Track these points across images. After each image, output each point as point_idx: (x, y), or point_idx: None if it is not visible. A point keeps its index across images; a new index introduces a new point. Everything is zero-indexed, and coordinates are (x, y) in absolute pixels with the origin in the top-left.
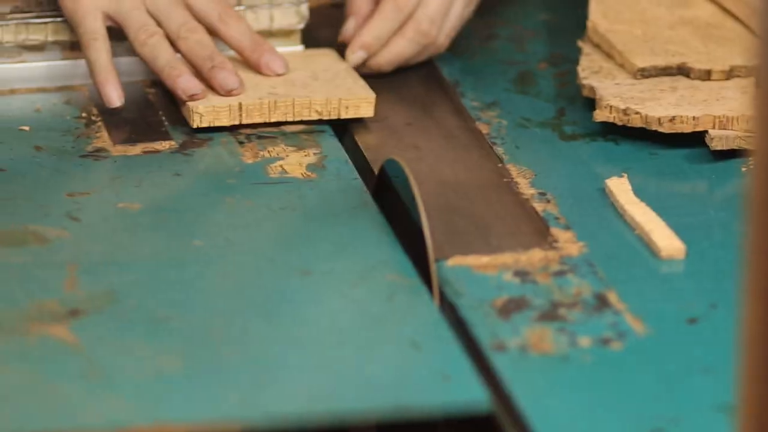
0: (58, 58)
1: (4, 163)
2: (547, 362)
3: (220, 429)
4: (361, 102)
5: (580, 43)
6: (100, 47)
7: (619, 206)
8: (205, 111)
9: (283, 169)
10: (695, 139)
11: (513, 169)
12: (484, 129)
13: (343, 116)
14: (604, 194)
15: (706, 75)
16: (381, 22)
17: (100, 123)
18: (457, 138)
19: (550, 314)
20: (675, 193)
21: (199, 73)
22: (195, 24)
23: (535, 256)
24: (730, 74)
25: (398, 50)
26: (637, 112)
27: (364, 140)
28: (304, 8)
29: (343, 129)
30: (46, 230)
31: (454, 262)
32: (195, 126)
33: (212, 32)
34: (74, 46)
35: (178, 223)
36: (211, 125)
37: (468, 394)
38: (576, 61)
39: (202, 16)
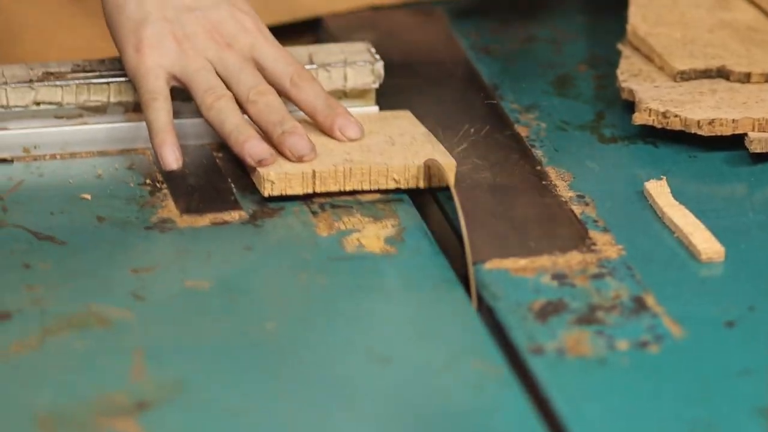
0: (121, 120)
1: (64, 235)
2: (585, 365)
3: None
4: (441, 170)
5: (619, 46)
6: (160, 107)
7: (658, 209)
8: (277, 178)
9: (359, 242)
10: (734, 142)
11: (552, 172)
12: (523, 132)
13: (423, 185)
14: (643, 197)
15: (746, 78)
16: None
17: (165, 190)
18: (495, 141)
19: (588, 317)
20: (714, 195)
21: (269, 138)
22: (265, 86)
23: (574, 258)
24: None
25: None
26: (676, 115)
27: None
28: (379, 66)
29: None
30: (110, 310)
31: (492, 265)
32: (266, 194)
33: (284, 94)
34: (138, 108)
35: (250, 303)
36: (283, 194)
37: None
38: (615, 64)
39: (274, 78)
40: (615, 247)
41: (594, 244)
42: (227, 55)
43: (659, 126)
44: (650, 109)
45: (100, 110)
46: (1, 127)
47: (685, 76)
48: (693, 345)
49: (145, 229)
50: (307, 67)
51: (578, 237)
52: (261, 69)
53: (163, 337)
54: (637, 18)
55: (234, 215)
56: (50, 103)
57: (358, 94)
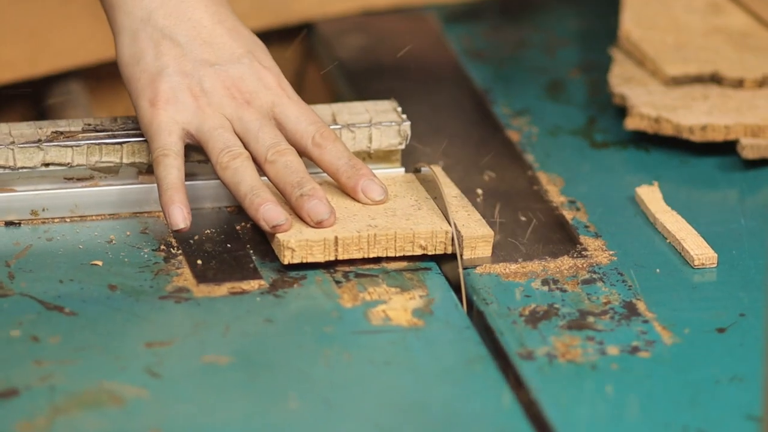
0: (134, 181)
1: (75, 305)
2: (575, 371)
3: None
4: (477, 242)
5: (611, 51)
6: (170, 164)
7: (650, 214)
8: (297, 245)
9: (386, 315)
10: (726, 148)
11: (543, 177)
12: (514, 136)
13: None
14: (634, 202)
15: (739, 83)
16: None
17: (180, 257)
18: (487, 145)
19: (579, 323)
20: (706, 201)
21: (287, 201)
22: (285, 146)
23: (564, 264)
24: (762, 83)
25: None
26: (668, 121)
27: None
28: (406, 127)
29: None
30: (124, 388)
31: (482, 269)
32: (286, 262)
33: (305, 154)
34: (151, 169)
35: (272, 380)
36: (304, 261)
37: None
38: (607, 69)
39: (296, 137)
40: (606, 252)
41: (585, 249)
42: (246, 113)
43: (651, 131)
44: (642, 115)
45: (112, 171)
46: (8, 189)
47: (677, 82)
48: (684, 351)
49: (160, 299)
50: (331, 127)
51: (569, 242)
52: (281, 127)
53: (181, 417)
54: (630, 22)
55: (253, 284)
56: (60, 165)
57: (384, 156)
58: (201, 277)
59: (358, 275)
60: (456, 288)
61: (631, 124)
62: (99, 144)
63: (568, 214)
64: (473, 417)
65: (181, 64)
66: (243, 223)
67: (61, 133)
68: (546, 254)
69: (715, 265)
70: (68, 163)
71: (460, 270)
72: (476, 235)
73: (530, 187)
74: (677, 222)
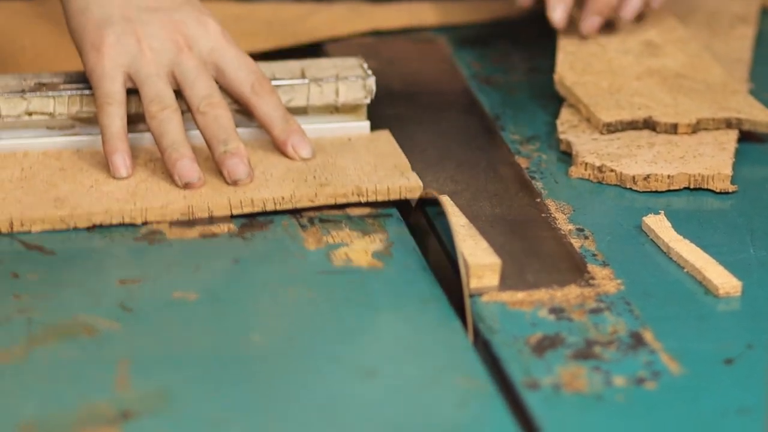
0: None
1: (53, 244)
2: (581, 401)
3: None
4: (484, 271)
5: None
6: (113, 112)
7: (662, 243)
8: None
9: (347, 257)
10: None
11: (551, 204)
12: (523, 163)
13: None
14: (642, 231)
15: (673, 128)
16: None
17: None
18: (495, 172)
19: (585, 352)
20: (714, 230)
21: (211, 155)
22: (218, 99)
23: (572, 293)
24: (696, 127)
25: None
26: (612, 170)
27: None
28: (371, 82)
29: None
30: (97, 321)
31: (489, 297)
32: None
33: (242, 101)
34: (132, 119)
35: (237, 315)
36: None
37: None
38: None
39: (234, 84)
40: (614, 281)
41: (593, 278)
42: (185, 59)
43: (595, 181)
44: (586, 163)
45: (92, 122)
46: None
47: (611, 128)
48: (690, 382)
49: (135, 240)
50: (299, 81)
51: (577, 271)
52: (221, 73)
53: (149, 348)
54: (564, 66)
55: (223, 227)
56: (42, 114)
57: (350, 110)
58: (175, 222)
59: (322, 221)
60: (461, 315)
61: (575, 173)
62: (80, 95)
63: (577, 243)
64: (424, 350)
65: (125, 11)
66: None
67: (44, 84)
68: (553, 283)
69: (739, 294)
70: (50, 113)
71: (466, 298)
72: (483, 264)
73: (538, 214)
74: (693, 251)
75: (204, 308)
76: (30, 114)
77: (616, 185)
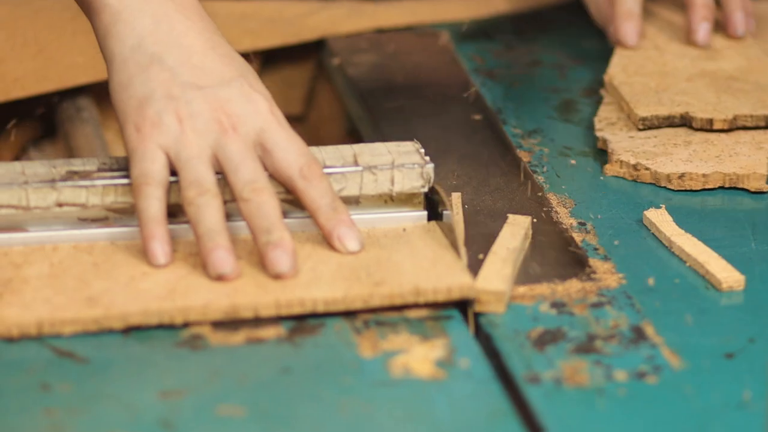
0: None
1: (87, 351)
2: (582, 395)
3: None
4: (490, 297)
5: (601, 91)
6: (151, 194)
7: (663, 238)
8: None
9: (406, 365)
10: None
11: (553, 198)
12: (525, 157)
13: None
14: (644, 225)
15: (708, 124)
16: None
17: None
18: (497, 166)
19: (586, 346)
20: (715, 225)
21: (254, 243)
22: (263, 185)
23: (573, 287)
24: (732, 123)
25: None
26: (647, 168)
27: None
28: (429, 169)
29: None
30: None
31: None
32: None
33: (289, 186)
34: (173, 209)
35: None
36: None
37: None
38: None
39: (282, 167)
40: (615, 275)
41: (594, 272)
42: (230, 141)
43: (630, 179)
44: (621, 161)
45: (127, 212)
46: (21, 230)
47: (647, 123)
48: (691, 376)
49: (176, 346)
50: (353, 169)
51: (578, 265)
52: (268, 154)
53: None
54: (617, 68)
55: (271, 332)
56: (74, 205)
57: (405, 199)
58: (218, 323)
59: (378, 323)
60: (463, 311)
61: (610, 170)
62: (114, 184)
63: (578, 237)
64: None
65: (168, 88)
66: None
67: (76, 172)
68: (555, 277)
69: (742, 288)
70: (83, 204)
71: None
72: (487, 290)
73: (540, 208)
74: (696, 245)
75: (252, 426)
76: (60, 205)
77: (650, 183)
